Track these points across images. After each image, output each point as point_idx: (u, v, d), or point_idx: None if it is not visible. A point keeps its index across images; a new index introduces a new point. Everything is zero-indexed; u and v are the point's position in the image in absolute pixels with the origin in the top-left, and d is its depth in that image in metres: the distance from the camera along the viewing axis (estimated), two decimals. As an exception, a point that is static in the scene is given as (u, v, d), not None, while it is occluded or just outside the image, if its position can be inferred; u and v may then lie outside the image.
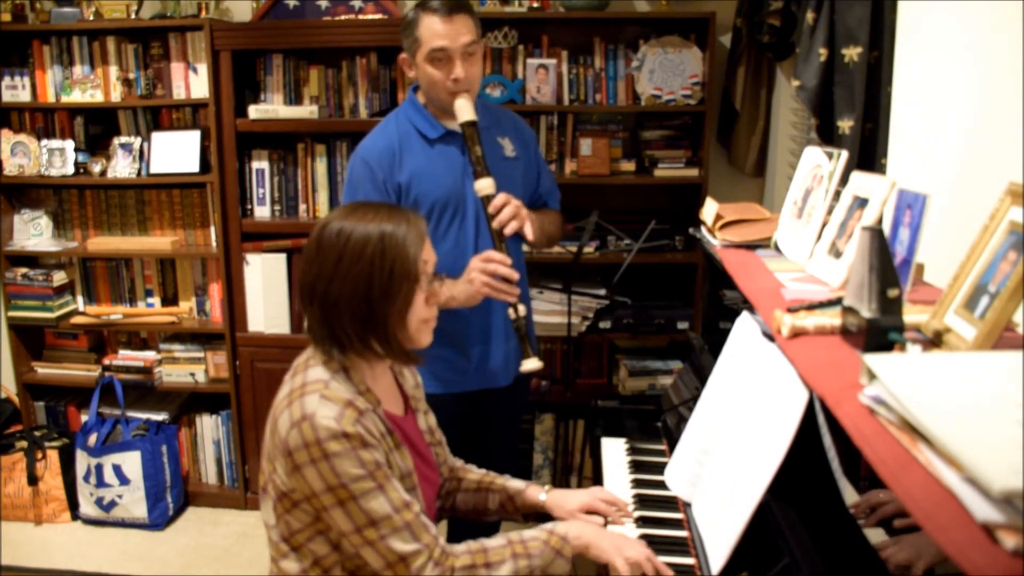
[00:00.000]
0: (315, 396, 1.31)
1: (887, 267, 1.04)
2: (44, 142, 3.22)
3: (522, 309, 1.93)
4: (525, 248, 2.20)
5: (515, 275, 1.91)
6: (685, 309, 3.10)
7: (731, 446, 1.48)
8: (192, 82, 3.14)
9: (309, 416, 1.29)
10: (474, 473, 1.70)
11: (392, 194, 2.02)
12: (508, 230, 1.94)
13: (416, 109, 2.08)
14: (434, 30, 1.94)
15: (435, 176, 2.03)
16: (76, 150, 3.23)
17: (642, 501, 1.66)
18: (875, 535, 1.17)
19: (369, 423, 1.33)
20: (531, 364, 1.91)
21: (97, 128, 3.32)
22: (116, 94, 3.18)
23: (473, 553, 1.39)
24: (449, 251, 2.01)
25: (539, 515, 1.65)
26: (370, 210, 1.40)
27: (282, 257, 3.13)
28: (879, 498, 1.22)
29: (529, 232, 1.98)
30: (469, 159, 2.01)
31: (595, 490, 1.66)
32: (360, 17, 3.13)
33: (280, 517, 1.38)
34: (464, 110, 1.95)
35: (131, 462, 3.12)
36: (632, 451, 1.92)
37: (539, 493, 1.64)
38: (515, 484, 1.67)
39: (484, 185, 1.93)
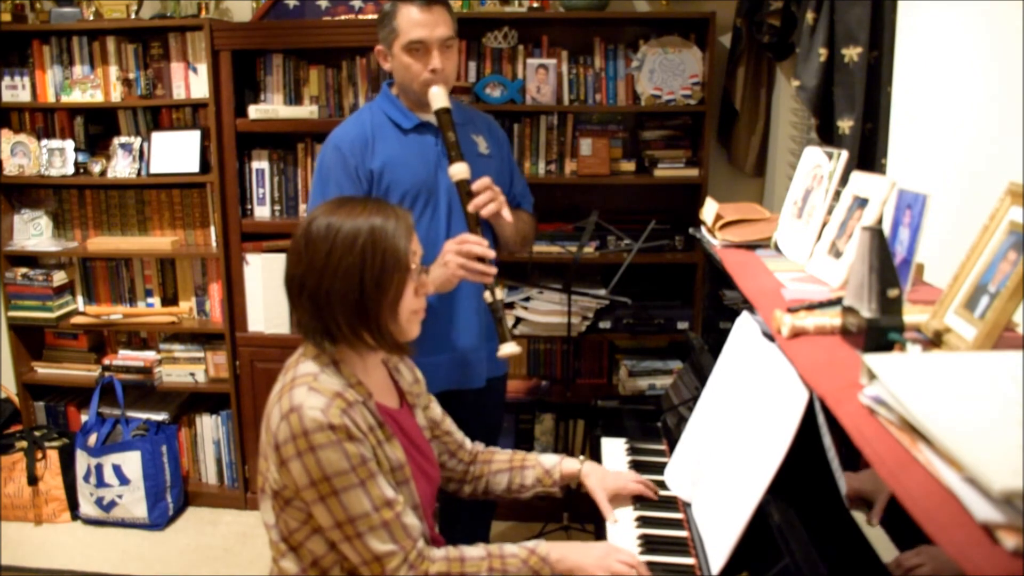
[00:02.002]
0: (303, 388, 1.33)
1: (887, 267, 1.04)
2: (44, 142, 3.22)
3: (499, 292, 1.90)
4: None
5: (491, 254, 1.88)
6: (685, 309, 3.10)
7: (731, 446, 1.48)
8: (192, 82, 3.13)
9: (297, 408, 1.30)
10: (503, 454, 1.73)
11: (364, 181, 2.01)
12: (487, 211, 1.91)
13: (390, 101, 2.08)
14: (412, 19, 1.94)
15: (408, 165, 2.02)
16: (76, 150, 3.22)
17: (642, 501, 1.66)
18: (879, 538, 1.17)
19: (357, 415, 1.34)
20: (509, 348, 1.87)
21: (97, 128, 3.32)
22: (116, 94, 3.18)
23: (450, 561, 1.38)
24: (421, 240, 1.99)
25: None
26: (356, 205, 1.40)
27: (282, 257, 3.11)
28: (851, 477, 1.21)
29: (507, 214, 1.96)
30: (443, 149, 2.00)
31: (627, 474, 1.71)
32: (360, 17, 3.13)
33: (278, 516, 1.39)
34: (439, 97, 1.95)
35: (131, 462, 3.12)
36: (632, 451, 1.92)
37: (575, 463, 1.69)
38: (549, 458, 1.70)
39: (459, 170, 1.92)
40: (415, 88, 1.99)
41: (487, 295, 1.90)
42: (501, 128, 2.28)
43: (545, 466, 1.69)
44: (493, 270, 1.89)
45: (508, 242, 2.09)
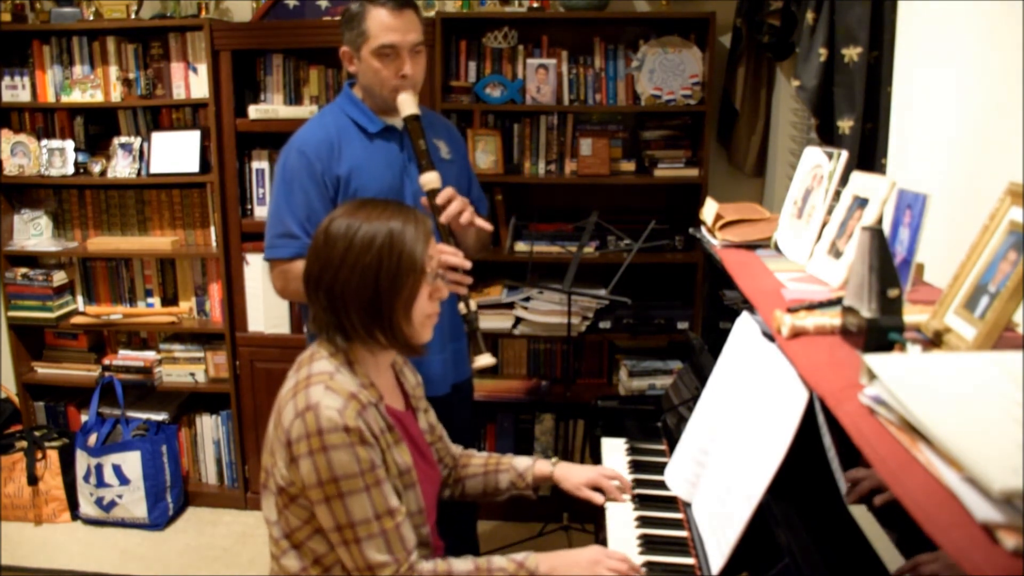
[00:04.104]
0: (320, 387, 1.33)
1: (887, 267, 1.04)
2: (44, 142, 3.22)
3: (473, 304, 1.88)
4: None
5: (467, 264, 1.84)
6: (685, 309, 3.10)
7: (731, 446, 1.48)
8: (192, 82, 3.13)
9: (313, 406, 1.31)
10: (478, 457, 1.74)
11: (330, 187, 1.97)
12: (464, 219, 1.87)
13: (353, 103, 2.03)
14: (384, 24, 1.90)
15: (374, 170, 1.99)
16: (76, 150, 3.23)
17: (642, 501, 1.66)
18: (879, 538, 1.17)
19: (370, 418, 1.34)
20: (484, 360, 1.85)
21: (97, 128, 3.32)
22: (116, 94, 3.18)
23: (439, 575, 1.39)
24: None
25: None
26: (377, 207, 1.41)
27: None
28: (856, 475, 1.21)
29: (480, 221, 1.93)
30: (408, 155, 1.98)
31: (600, 468, 1.72)
32: (360, 17, 3.13)
33: (281, 513, 1.39)
34: (408, 104, 1.91)
35: (131, 462, 3.12)
36: (632, 451, 1.92)
37: (547, 465, 1.70)
38: (522, 461, 1.71)
39: (430, 179, 1.88)
40: (384, 93, 1.95)
41: (461, 306, 1.87)
42: (458, 131, 2.26)
43: (518, 469, 1.70)
44: (468, 280, 1.86)
45: (468, 249, 2.06)
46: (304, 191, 1.96)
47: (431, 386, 2.06)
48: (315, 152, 1.97)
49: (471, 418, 2.36)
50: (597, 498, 1.66)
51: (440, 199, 1.87)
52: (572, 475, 1.69)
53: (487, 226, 1.97)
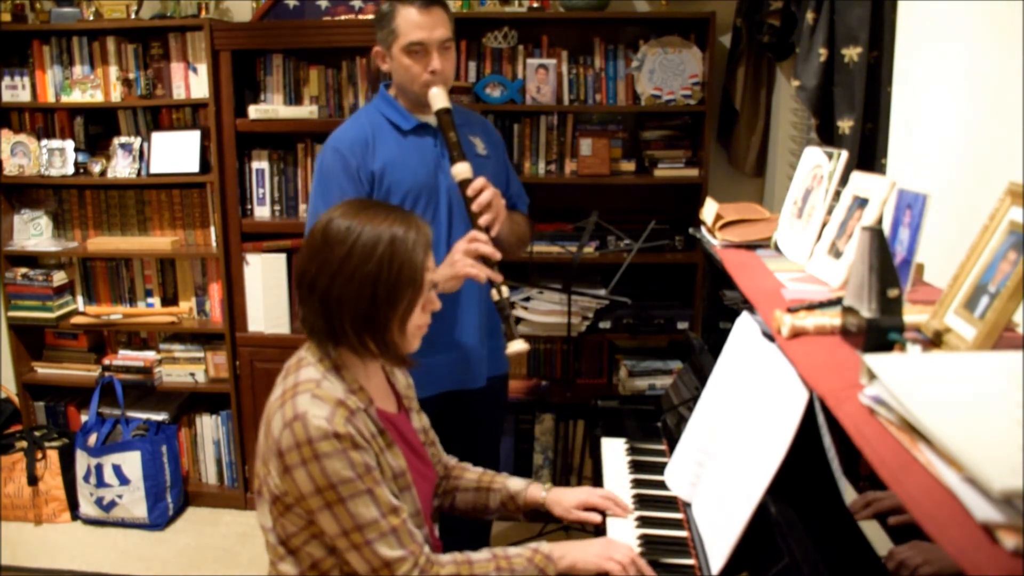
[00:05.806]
0: (307, 395, 1.31)
1: (887, 267, 1.04)
2: (44, 142, 3.22)
3: (505, 290, 1.90)
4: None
5: (497, 255, 1.88)
6: (685, 309, 3.10)
7: (731, 446, 1.48)
8: (192, 82, 3.13)
9: (301, 415, 1.29)
10: (472, 472, 1.71)
11: (366, 183, 2.01)
12: (483, 221, 1.90)
13: (388, 103, 2.08)
14: (412, 21, 1.94)
15: (408, 166, 2.02)
16: (76, 150, 3.22)
17: (642, 501, 1.66)
18: (880, 539, 1.17)
19: (360, 423, 1.33)
20: (517, 346, 1.87)
21: (97, 128, 3.32)
22: (116, 94, 3.18)
23: (458, 564, 1.39)
24: None
25: (539, 514, 1.66)
26: (380, 211, 1.39)
27: (282, 257, 3.13)
28: (876, 495, 1.22)
29: (493, 230, 1.94)
30: (442, 151, 2.01)
31: (592, 489, 1.68)
32: (360, 17, 3.13)
33: (276, 520, 1.38)
34: (439, 98, 1.95)
35: (131, 462, 3.12)
36: (632, 451, 1.92)
37: (539, 491, 1.66)
38: (515, 483, 1.67)
39: (461, 169, 1.92)
40: (415, 89, 1.99)
41: (494, 293, 1.90)
42: (496, 129, 2.29)
43: (510, 491, 1.65)
44: (498, 277, 1.89)
45: (504, 245, 2.07)
46: (340, 188, 1.99)
47: (468, 379, 2.10)
48: (350, 149, 2.01)
49: (503, 414, 2.37)
50: (593, 518, 1.61)
51: (471, 190, 1.90)
52: (563, 499, 1.63)
53: (492, 232, 1.95)
